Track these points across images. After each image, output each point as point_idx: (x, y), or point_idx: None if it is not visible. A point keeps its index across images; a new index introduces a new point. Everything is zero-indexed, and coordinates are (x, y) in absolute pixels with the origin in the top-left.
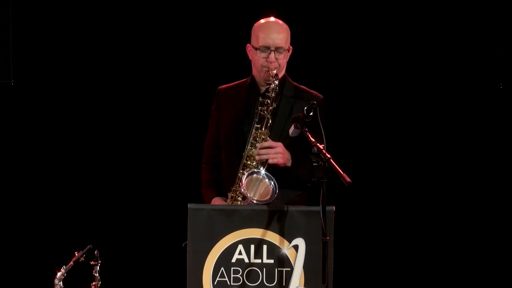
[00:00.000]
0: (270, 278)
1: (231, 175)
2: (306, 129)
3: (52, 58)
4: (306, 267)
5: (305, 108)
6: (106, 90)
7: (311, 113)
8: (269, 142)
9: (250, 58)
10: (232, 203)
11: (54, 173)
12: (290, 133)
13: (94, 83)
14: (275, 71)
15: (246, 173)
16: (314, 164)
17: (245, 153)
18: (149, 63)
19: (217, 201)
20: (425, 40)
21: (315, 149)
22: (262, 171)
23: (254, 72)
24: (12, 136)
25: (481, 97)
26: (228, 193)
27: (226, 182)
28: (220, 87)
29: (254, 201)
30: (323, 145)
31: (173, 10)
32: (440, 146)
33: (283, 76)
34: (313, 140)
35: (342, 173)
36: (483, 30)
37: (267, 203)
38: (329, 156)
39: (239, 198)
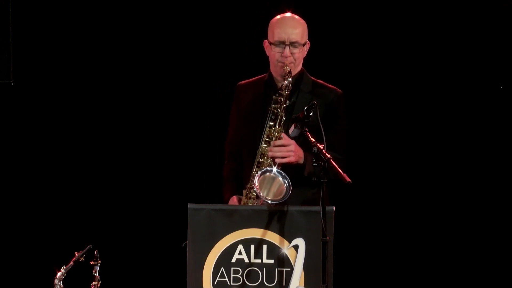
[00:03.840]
0: (270, 278)
1: (249, 172)
2: (306, 129)
3: (52, 58)
4: (306, 267)
5: (305, 108)
6: (106, 90)
7: (311, 113)
8: (282, 140)
9: (267, 54)
10: (246, 201)
11: (54, 173)
12: (290, 133)
13: (94, 82)
14: (289, 68)
15: (260, 172)
16: (314, 164)
17: (259, 151)
18: (149, 62)
19: (234, 200)
20: (425, 40)
21: (315, 149)
22: (275, 169)
23: (271, 68)
24: (12, 136)
25: (481, 97)
26: (243, 191)
27: (245, 179)
28: (239, 83)
29: (268, 201)
30: (323, 145)
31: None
32: (440, 146)
33: (301, 71)
34: (313, 140)
35: (342, 173)
36: (483, 30)
37: (281, 202)
38: (329, 156)
39: (253, 196)
